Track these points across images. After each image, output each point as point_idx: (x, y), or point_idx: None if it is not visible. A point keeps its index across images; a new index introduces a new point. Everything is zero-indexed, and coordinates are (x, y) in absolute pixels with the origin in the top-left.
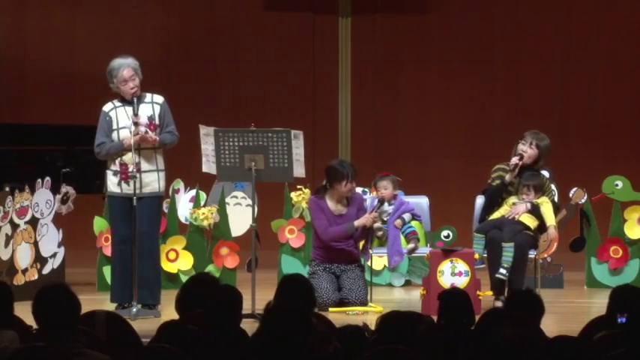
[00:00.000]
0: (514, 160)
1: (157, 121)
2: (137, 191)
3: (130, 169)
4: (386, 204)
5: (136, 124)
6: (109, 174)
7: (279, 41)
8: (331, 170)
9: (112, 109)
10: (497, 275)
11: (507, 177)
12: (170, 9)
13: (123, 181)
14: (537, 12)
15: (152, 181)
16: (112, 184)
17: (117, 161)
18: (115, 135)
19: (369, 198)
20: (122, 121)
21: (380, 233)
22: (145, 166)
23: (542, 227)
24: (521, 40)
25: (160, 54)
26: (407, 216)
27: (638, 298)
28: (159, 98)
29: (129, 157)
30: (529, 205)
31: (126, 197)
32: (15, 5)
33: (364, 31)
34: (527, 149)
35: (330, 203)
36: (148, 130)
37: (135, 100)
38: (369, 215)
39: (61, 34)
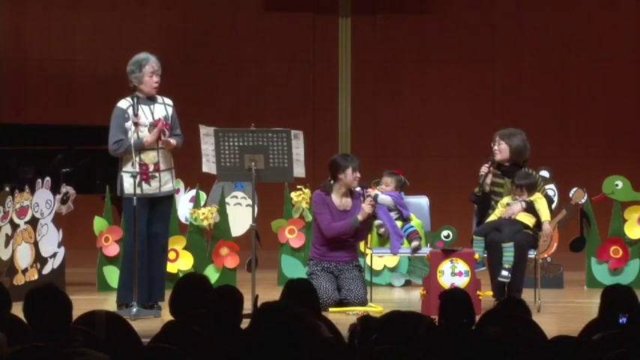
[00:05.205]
0: (483, 168)
1: (170, 122)
2: (156, 191)
3: (151, 170)
4: (376, 191)
5: (136, 124)
6: (126, 176)
7: (279, 41)
8: (334, 163)
9: (129, 106)
10: (499, 279)
11: (487, 188)
12: (170, 9)
13: (144, 182)
14: (537, 12)
15: (169, 180)
16: (130, 185)
17: (136, 162)
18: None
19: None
20: (142, 119)
21: (382, 230)
22: (162, 165)
23: (540, 224)
24: (521, 40)
25: (160, 54)
26: (387, 199)
27: (628, 298)
28: (169, 100)
29: (149, 157)
30: (524, 203)
31: (145, 197)
32: (15, 5)
33: (364, 31)
34: (496, 148)
35: (336, 198)
36: (165, 131)
37: (135, 101)
38: (364, 204)
39: (61, 34)
